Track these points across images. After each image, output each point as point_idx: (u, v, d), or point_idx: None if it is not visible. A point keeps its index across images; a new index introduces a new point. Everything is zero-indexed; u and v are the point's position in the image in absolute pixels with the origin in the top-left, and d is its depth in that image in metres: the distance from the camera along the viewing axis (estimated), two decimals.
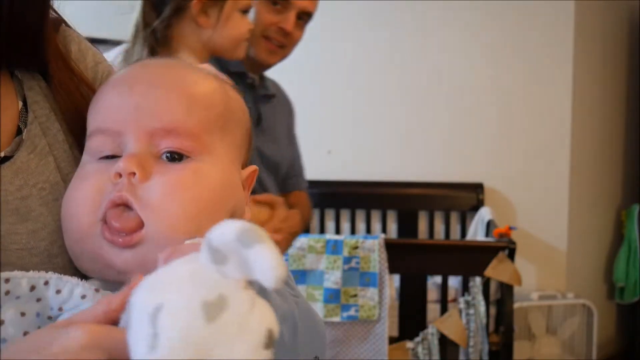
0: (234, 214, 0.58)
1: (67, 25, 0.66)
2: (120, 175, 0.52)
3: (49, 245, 0.55)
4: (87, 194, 0.53)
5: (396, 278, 2.21)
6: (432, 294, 2.38)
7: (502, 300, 2.32)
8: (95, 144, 0.55)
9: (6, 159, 0.56)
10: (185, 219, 0.52)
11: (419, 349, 2.12)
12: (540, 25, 2.93)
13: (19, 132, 0.58)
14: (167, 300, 0.36)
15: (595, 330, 2.83)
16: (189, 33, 1.23)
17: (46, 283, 0.51)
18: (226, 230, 0.35)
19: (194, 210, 0.53)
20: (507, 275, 2.12)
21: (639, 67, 3.27)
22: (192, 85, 0.57)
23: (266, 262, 0.34)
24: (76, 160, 0.60)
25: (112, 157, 0.54)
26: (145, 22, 1.24)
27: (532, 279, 2.93)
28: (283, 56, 1.54)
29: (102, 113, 0.55)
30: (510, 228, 2.56)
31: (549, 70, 2.95)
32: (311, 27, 1.63)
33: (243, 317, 0.36)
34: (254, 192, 1.48)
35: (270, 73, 1.66)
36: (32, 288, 0.50)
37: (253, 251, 0.34)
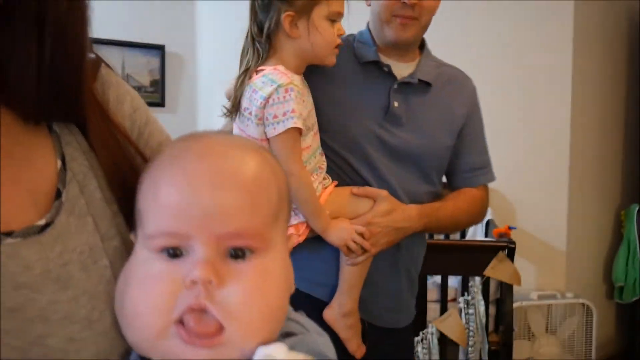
0: (291, 290, 0.62)
1: (106, 65, 0.66)
2: (195, 283, 0.53)
3: (89, 312, 0.56)
4: (158, 298, 0.54)
5: None
6: (432, 293, 2.38)
7: (501, 300, 2.33)
8: (159, 243, 0.56)
9: (47, 225, 0.56)
10: (263, 322, 0.55)
11: (419, 349, 2.12)
12: (540, 25, 2.94)
13: (57, 193, 0.58)
14: None
15: (594, 330, 2.83)
16: (285, 44, 1.36)
17: None
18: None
19: (269, 313, 0.56)
20: (507, 275, 2.13)
21: (638, 67, 3.28)
22: (251, 179, 0.57)
23: None
24: (114, 217, 0.61)
25: (175, 251, 0.55)
26: (252, 35, 1.40)
27: (532, 279, 2.94)
28: (421, 27, 1.48)
29: (167, 213, 0.55)
30: (510, 228, 2.57)
31: (548, 70, 2.95)
32: None
33: None
34: (353, 182, 1.43)
35: None
36: None
37: None
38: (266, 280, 0.56)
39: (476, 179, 1.59)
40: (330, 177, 1.46)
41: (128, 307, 0.56)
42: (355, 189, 1.43)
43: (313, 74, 1.45)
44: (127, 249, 0.61)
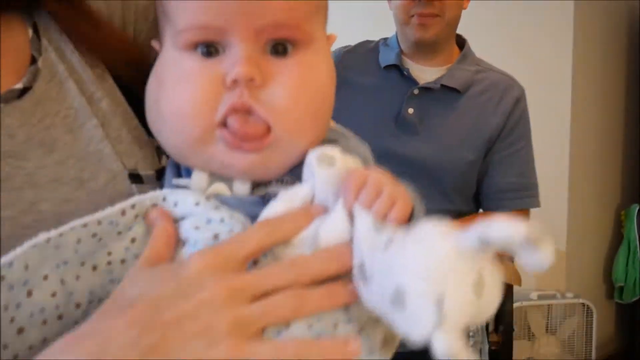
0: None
1: None
2: (236, 82, 0.49)
3: (79, 172, 0.53)
4: (199, 95, 0.50)
5: None
6: None
7: (501, 300, 2.33)
8: (189, 37, 0.51)
9: (25, 90, 0.53)
10: (311, 120, 0.52)
11: None
12: (540, 25, 2.93)
13: (33, 61, 0.55)
14: (448, 290, 0.41)
15: (594, 330, 2.83)
16: None
17: (164, 199, 0.51)
18: (512, 232, 0.40)
19: (316, 108, 0.52)
20: (507, 274, 2.13)
21: (638, 67, 3.27)
22: None
23: (508, 230, 0.40)
24: (99, 79, 0.57)
25: (209, 48, 0.51)
26: None
27: (532, 279, 2.93)
28: (446, 25, 1.38)
29: (197, 9, 0.50)
30: None
31: (548, 70, 2.95)
32: None
33: (493, 287, 0.44)
34: None
35: None
36: (136, 217, 0.50)
37: (540, 254, 0.39)
38: (311, 75, 0.52)
39: (509, 202, 1.37)
40: None
41: (165, 108, 0.52)
42: None
43: (340, 84, 1.44)
44: (119, 108, 0.58)
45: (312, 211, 0.49)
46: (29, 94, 0.53)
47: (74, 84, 0.56)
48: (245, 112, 0.49)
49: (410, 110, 1.38)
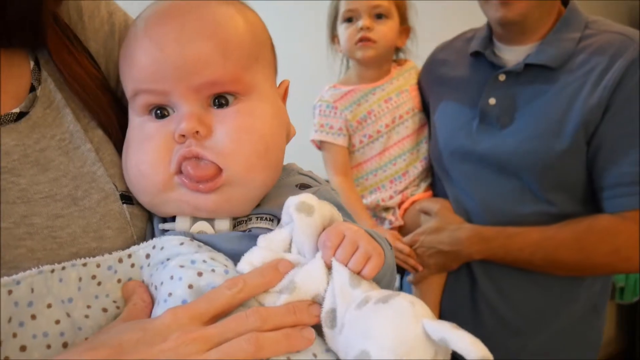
0: (288, 133, 0.64)
1: None
2: (183, 136, 0.56)
3: (73, 190, 0.57)
4: (154, 154, 0.57)
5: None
6: None
7: None
8: (141, 101, 0.58)
9: (22, 114, 0.57)
10: (258, 157, 0.57)
11: None
12: None
13: (32, 89, 0.59)
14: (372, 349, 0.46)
15: None
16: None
17: (154, 247, 0.57)
18: (470, 350, 0.45)
19: (264, 147, 0.58)
20: None
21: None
22: (219, 28, 0.58)
23: (467, 345, 0.45)
24: (93, 112, 0.62)
25: (162, 111, 0.58)
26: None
27: None
28: (527, 3, 1.11)
29: (140, 74, 0.57)
30: None
31: None
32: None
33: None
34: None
35: None
36: (132, 265, 0.56)
37: (456, 336, 0.45)
38: (253, 120, 0.58)
39: (620, 200, 1.07)
40: (431, 187, 1.39)
41: (130, 168, 0.59)
42: (418, 204, 1.32)
43: (430, 81, 1.39)
44: (113, 137, 0.63)
45: (280, 268, 0.53)
46: (26, 118, 0.57)
47: (70, 112, 0.60)
48: (195, 158, 0.56)
49: (492, 101, 1.16)
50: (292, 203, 0.55)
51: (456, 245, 1.17)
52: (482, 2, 1.17)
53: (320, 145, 1.44)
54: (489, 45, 1.23)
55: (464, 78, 1.27)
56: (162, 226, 0.60)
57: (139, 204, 0.61)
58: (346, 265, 0.52)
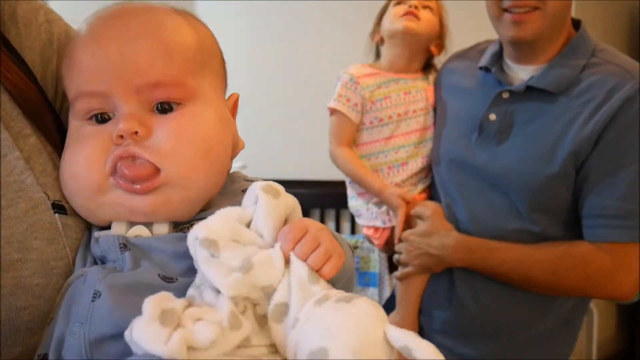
0: (235, 145, 0.62)
1: None
2: (122, 137, 0.54)
3: None
4: (90, 155, 0.55)
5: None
6: None
7: None
8: (82, 105, 0.57)
9: None
10: (199, 157, 0.56)
11: None
12: None
13: None
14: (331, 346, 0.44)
15: (595, 330, 2.83)
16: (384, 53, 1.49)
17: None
18: (402, 336, 0.45)
19: (205, 148, 0.56)
20: None
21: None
22: (163, 31, 0.57)
23: (430, 356, 0.44)
24: (26, 117, 0.60)
25: (102, 116, 0.56)
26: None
27: None
28: (547, 19, 1.10)
29: (82, 75, 0.56)
30: None
31: None
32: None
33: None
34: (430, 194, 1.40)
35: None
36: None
37: (419, 347, 0.44)
38: (195, 122, 0.56)
39: (598, 231, 1.11)
40: (428, 189, 1.42)
41: (64, 170, 0.57)
42: (411, 207, 1.35)
43: (440, 87, 1.42)
44: (48, 146, 0.61)
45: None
46: None
47: None
48: (131, 158, 0.54)
49: (492, 117, 1.20)
50: (258, 185, 0.54)
51: (442, 250, 1.24)
52: (495, 21, 1.18)
53: (332, 113, 1.47)
54: (498, 61, 1.26)
55: (471, 89, 1.30)
56: (97, 234, 0.58)
57: (73, 214, 0.59)
58: (305, 261, 0.51)
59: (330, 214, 3.01)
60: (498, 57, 1.26)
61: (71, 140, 0.58)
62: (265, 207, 0.52)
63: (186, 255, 0.52)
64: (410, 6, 1.44)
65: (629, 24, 3.29)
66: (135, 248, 0.54)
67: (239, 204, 0.56)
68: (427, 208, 1.32)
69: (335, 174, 2.97)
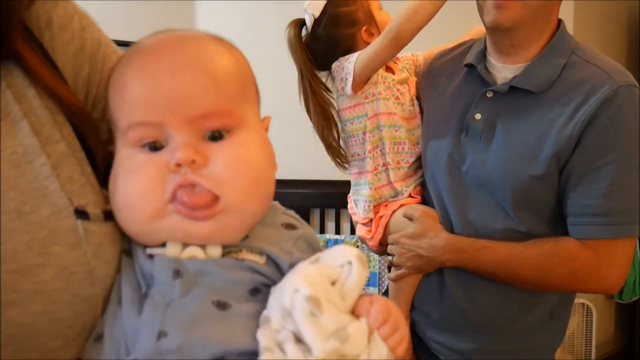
0: (274, 167, 0.65)
1: None
2: (179, 165, 0.56)
3: (20, 205, 0.55)
4: (147, 183, 0.57)
5: None
6: None
7: None
8: (135, 134, 0.58)
9: None
10: (252, 185, 0.59)
11: None
12: None
13: None
14: None
15: (594, 330, 2.83)
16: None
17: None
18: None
19: (257, 175, 0.60)
20: None
21: (638, 67, 3.28)
22: (210, 61, 0.60)
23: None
24: (58, 124, 0.60)
25: (155, 144, 0.58)
26: (308, 69, 1.43)
27: None
28: (526, 10, 1.14)
29: (135, 106, 0.58)
30: None
31: None
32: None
33: None
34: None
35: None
36: None
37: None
38: (247, 150, 0.59)
39: (582, 229, 1.14)
40: (420, 191, 1.41)
41: (120, 199, 0.58)
42: (402, 209, 1.35)
43: (426, 88, 1.40)
44: (75, 153, 0.61)
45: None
46: None
47: (27, 124, 0.58)
48: (191, 187, 0.56)
49: (478, 116, 1.21)
50: (352, 252, 0.57)
51: (432, 251, 1.27)
52: (480, 10, 1.20)
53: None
54: (483, 60, 1.27)
55: (457, 89, 1.31)
56: (149, 251, 0.60)
57: (96, 220, 0.59)
58: (385, 341, 0.55)
59: (330, 214, 3.01)
60: (483, 55, 1.27)
61: (124, 168, 0.59)
62: (358, 277, 0.56)
63: (239, 283, 0.57)
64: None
65: (628, 24, 3.29)
66: (188, 274, 0.57)
67: (280, 237, 0.62)
68: (416, 210, 1.33)
69: (335, 174, 2.97)
